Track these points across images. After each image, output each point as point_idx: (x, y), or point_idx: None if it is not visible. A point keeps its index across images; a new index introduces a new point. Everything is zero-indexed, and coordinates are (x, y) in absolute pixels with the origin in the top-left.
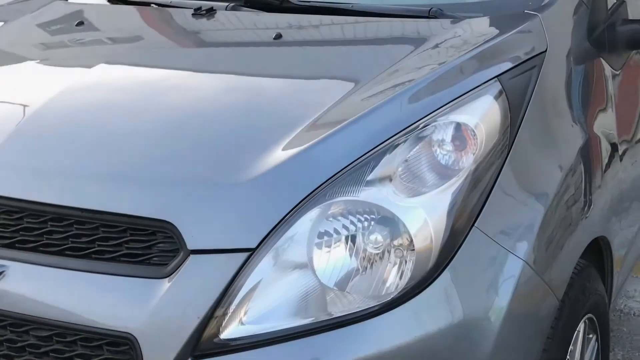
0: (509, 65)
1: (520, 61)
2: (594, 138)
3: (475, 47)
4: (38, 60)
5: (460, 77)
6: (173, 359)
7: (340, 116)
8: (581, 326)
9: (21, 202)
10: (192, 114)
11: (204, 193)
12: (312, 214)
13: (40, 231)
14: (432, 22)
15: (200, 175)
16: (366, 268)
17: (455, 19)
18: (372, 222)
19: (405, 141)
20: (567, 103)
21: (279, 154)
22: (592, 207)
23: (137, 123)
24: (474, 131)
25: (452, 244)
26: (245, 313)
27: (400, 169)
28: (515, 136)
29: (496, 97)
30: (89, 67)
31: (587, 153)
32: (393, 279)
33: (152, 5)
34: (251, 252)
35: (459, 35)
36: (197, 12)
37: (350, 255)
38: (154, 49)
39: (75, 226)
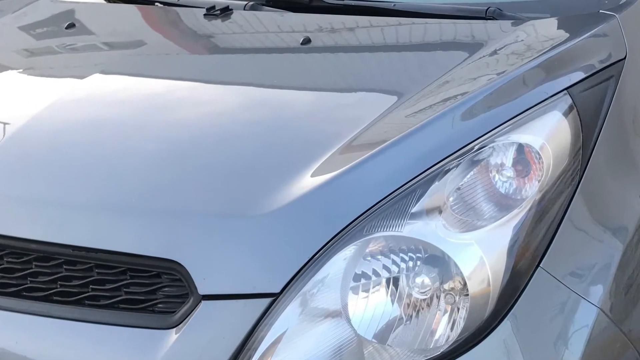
0: (581, 75)
1: (594, 70)
2: None
3: (540, 54)
4: (20, 70)
5: (523, 90)
6: None
7: (380, 136)
8: None
9: (0, 238)
10: (204, 133)
11: (218, 228)
12: (347, 252)
13: (23, 273)
14: (490, 24)
15: (214, 207)
16: (411, 317)
17: (517, 21)
18: (418, 262)
19: (457, 166)
20: None
21: (307, 181)
22: None
23: (138, 144)
24: (539, 154)
25: (513, 288)
26: None
27: (451, 198)
28: (589, 160)
29: (565, 114)
30: (81, 77)
31: None
32: (443, 329)
33: (156, 4)
34: (274, 297)
35: (522, 40)
36: (210, 13)
37: (392, 302)
38: (159, 56)
39: (64, 267)
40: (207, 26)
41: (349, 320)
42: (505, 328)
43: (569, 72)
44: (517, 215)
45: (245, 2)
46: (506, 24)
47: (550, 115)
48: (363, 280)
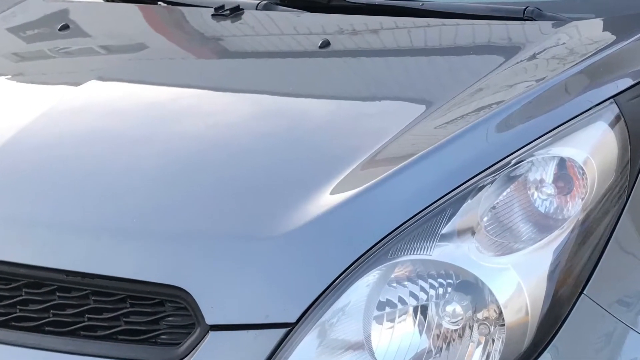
0: (629, 82)
1: None
2: None
3: (584, 59)
4: (9, 76)
5: (565, 98)
6: None
7: (407, 149)
8: None
9: None
10: (212, 146)
11: (227, 251)
12: (370, 278)
13: (12, 301)
14: (528, 25)
15: (222, 228)
16: (441, 349)
17: (559, 22)
18: (449, 289)
19: (492, 182)
20: None
21: (325, 200)
22: None
23: (139, 159)
24: (582, 169)
25: (554, 317)
26: None
27: (485, 218)
28: (637, 175)
29: (612, 124)
30: (76, 84)
31: None
32: None
33: (159, 3)
34: (290, 328)
35: (564, 43)
36: (219, 13)
37: (420, 332)
38: (162, 61)
39: (57, 294)
40: (215, 28)
41: (372, 353)
42: None
43: (616, 79)
44: (558, 237)
45: (258, 2)
46: (546, 25)
47: (594, 126)
48: (388, 309)
